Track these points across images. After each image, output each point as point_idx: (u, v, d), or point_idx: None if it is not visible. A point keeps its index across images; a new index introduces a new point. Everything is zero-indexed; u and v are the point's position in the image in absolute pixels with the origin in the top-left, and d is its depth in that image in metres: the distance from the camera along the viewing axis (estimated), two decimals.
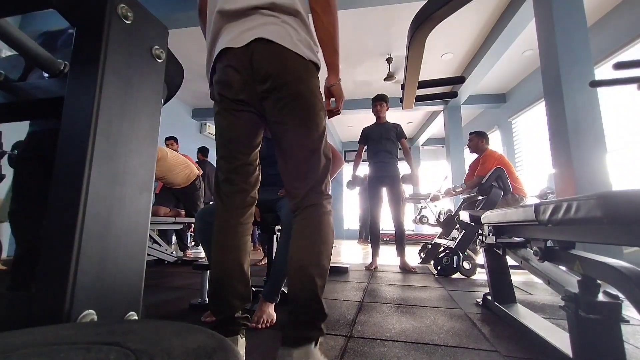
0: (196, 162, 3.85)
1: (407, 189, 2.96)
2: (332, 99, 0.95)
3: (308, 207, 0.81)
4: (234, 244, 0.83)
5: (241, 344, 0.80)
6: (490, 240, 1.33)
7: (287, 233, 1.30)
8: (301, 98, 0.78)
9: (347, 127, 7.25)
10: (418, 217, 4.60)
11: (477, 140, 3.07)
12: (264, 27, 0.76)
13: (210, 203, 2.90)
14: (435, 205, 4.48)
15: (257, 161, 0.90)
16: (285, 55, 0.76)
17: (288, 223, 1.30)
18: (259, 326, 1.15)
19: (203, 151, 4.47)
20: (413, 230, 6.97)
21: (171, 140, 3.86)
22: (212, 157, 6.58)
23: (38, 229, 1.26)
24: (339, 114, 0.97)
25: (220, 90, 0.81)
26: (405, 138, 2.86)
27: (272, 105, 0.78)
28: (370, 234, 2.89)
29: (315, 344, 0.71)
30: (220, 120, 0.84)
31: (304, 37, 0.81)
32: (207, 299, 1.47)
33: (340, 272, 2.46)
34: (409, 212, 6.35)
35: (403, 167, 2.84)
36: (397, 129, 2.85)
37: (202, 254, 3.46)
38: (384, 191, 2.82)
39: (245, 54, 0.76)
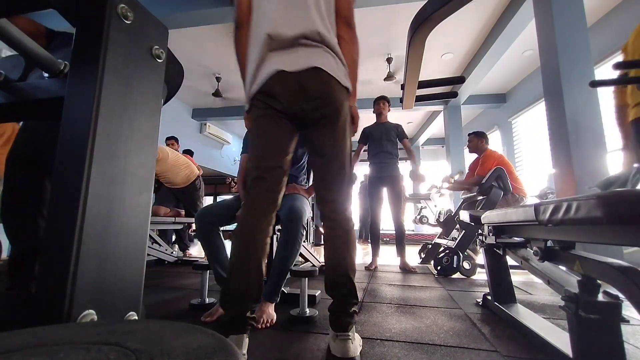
0: None
1: (407, 189, 2.95)
2: None
3: (338, 222, 0.95)
4: (257, 244, 0.87)
5: (245, 342, 0.82)
6: (490, 240, 1.33)
7: (286, 233, 1.30)
8: (339, 118, 0.92)
9: None
10: (418, 217, 4.60)
11: (477, 141, 3.07)
12: (316, 57, 0.89)
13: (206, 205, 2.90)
14: (435, 205, 4.48)
15: (287, 169, 0.96)
16: (330, 82, 0.89)
17: (288, 222, 1.30)
18: (259, 326, 1.15)
19: (189, 152, 4.40)
20: (413, 230, 6.97)
21: (172, 140, 3.86)
22: (204, 158, 6.54)
23: (31, 227, 1.24)
24: (354, 134, 1.05)
25: (266, 100, 0.90)
26: (407, 138, 2.86)
27: (313, 122, 0.91)
28: (370, 234, 2.89)
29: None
30: (262, 123, 0.91)
31: (341, 66, 0.94)
32: (206, 299, 1.47)
33: None
34: (409, 212, 6.36)
35: (403, 167, 2.84)
36: (398, 130, 2.85)
37: (202, 254, 3.46)
38: (384, 191, 2.82)
39: (297, 77, 0.87)
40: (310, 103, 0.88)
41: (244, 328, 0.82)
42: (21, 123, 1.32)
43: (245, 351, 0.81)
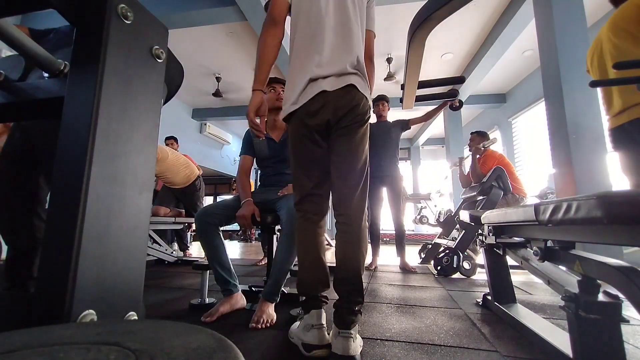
0: None
1: (407, 189, 2.94)
2: None
3: (351, 220, 1.03)
4: (317, 242, 1.04)
5: (324, 315, 0.99)
6: (490, 240, 1.33)
7: (286, 233, 1.30)
8: (362, 125, 1.04)
9: None
10: (418, 217, 4.61)
11: (479, 140, 3.07)
12: (351, 78, 1.02)
13: (206, 205, 2.90)
14: (435, 205, 4.49)
15: (329, 179, 1.08)
16: (360, 96, 1.02)
17: (288, 222, 1.30)
18: (259, 326, 1.15)
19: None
20: (413, 230, 6.97)
21: (171, 140, 3.85)
22: (204, 158, 6.50)
23: (26, 227, 1.24)
24: None
25: (304, 118, 1.01)
26: (409, 121, 2.86)
27: (342, 127, 1.02)
28: (370, 233, 2.89)
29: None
30: (305, 147, 1.04)
31: (367, 87, 1.08)
32: (206, 299, 1.47)
33: None
34: (409, 212, 6.36)
35: (403, 167, 2.84)
36: (401, 123, 2.85)
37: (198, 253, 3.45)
38: (384, 191, 2.82)
39: (335, 94, 1.00)
40: (341, 110, 1.01)
41: (320, 304, 1.00)
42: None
43: (323, 322, 0.97)
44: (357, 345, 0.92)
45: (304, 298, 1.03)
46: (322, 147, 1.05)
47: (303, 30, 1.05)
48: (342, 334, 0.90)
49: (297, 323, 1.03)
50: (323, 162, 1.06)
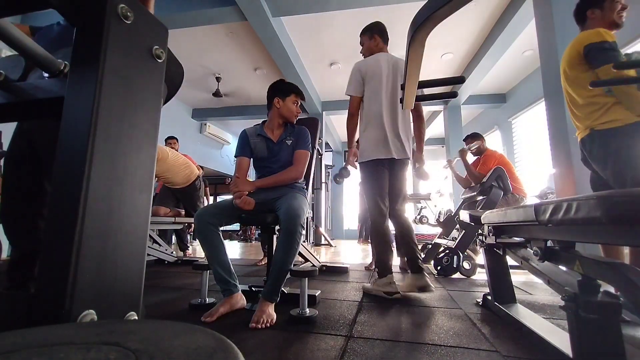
0: None
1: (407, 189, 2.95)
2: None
3: (402, 221, 1.84)
4: (389, 234, 1.79)
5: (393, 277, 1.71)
6: (490, 240, 1.33)
7: (285, 232, 1.30)
8: (404, 169, 1.87)
9: None
10: (418, 217, 4.60)
11: (479, 143, 3.08)
12: (405, 149, 1.84)
13: (206, 204, 2.90)
14: (435, 205, 4.49)
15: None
16: (406, 161, 1.85)
17: (286, 222, 1.30)
18: (259, 326, 1.15)
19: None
20: None
21: (172, 140, 3.85)
22: (204, 158, 6.49)
23: (31, 229, 1.24)
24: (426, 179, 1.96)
25: (377, 162, 1.82)
26: None
27: (393, 174, 1.84)
28: (370, 234, 2.88)
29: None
30: (377, 174, 1.82)
31: (409, 143, 1.87)
32: (206, 299, 1.47)
33: (340, 272, 2.46)
34: (409, 212, 6.35)
35: None
36: None
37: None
38: None
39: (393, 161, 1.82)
40: (398, 167, 1.84)
41: (392, 271, 1.71)
42: (16, 124, 1.31)
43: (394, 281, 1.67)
44: (428, 280, 1.63)
45: (376, 270, 1.75)
46: (386, 175, 1.83)
47: (371, 104, 1.89)
48: (417, 276, 1.65)
49: (370, 283, 1.78)
50: (387, 182, 1.83)
